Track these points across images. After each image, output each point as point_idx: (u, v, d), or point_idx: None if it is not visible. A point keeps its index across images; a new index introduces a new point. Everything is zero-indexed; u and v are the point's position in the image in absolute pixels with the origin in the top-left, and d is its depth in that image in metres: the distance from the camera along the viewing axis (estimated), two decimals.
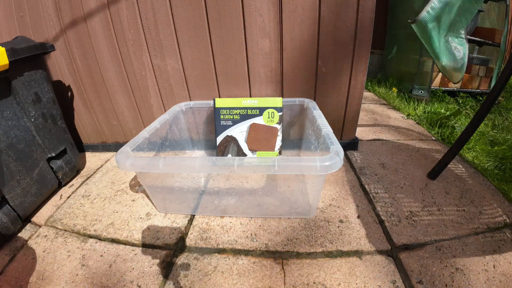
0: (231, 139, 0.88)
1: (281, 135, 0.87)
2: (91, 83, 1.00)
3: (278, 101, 0.84)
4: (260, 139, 0.87)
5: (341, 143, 0.74)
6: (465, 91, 1.78)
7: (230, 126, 0.88)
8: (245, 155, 0.88)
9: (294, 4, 0.78)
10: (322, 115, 0.74)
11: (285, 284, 0.51)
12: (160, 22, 0.85)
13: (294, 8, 0.79)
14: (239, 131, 0.88)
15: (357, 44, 0.82)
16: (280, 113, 0.85)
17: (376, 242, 0.60)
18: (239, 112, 0.86)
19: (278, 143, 0.87)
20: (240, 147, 0.88)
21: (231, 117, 0.87)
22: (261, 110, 0.85)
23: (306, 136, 0.89)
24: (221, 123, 0.88)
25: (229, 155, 0.87)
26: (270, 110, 0.84)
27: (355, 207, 0.71)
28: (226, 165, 0.53)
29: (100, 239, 0.65)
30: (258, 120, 0.86)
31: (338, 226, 0.65)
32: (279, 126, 0.85)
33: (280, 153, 0.89)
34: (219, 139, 0.89)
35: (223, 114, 0.87)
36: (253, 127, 0.86)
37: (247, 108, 0.85)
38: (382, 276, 0.52)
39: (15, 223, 0.68)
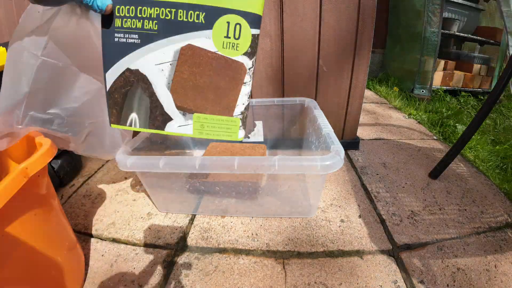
0: (136, 79, 0.42)
1: (251, 81, 0.42)
2: None
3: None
4: (202, 85, 0.42)
5: (342, 143, 0.73)
6: (467, 90, 1.77)
7: (135, 47, 0.40)
8: (164, 117, 0.44)
9: (295, 3, 0.78)
10: (323, 115, 0.74)
11: (286, 283, 0.51)
12: None
13: (295, 7, 0.79)
14: (156, 61, 0.41)
15: (358, 43, 0.82)
16: (255, 31, 0.39)
17: (377, 242, 0.59)
18: (158, 14, 0.38)
19: (243, 99, 0.42)
20: (156, 97, 0.43)
21: (139, 25, 0.39)
22: (210, 16, 0.38)
23: (306, 136, 0.88)
24: (116, 39, 0.40)
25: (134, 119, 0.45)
26: (232, 18, 0.38)
27: (356, 207, 0.71)
28: (226, 165, 0.53)
29: (101, 239, 0.65)
30: (202, 40, 0.39)
31: (339, 226, 0.65)
32: (249, 61, 0.40)
33: (244, 119, 0.44)
34: (111, 75, 0.42)
35: (122, 19, 0.39)
36: (187, 55, 0.40)
37: (175, 5, 0.38)
38: (383, 276, 0.52)
39: None
